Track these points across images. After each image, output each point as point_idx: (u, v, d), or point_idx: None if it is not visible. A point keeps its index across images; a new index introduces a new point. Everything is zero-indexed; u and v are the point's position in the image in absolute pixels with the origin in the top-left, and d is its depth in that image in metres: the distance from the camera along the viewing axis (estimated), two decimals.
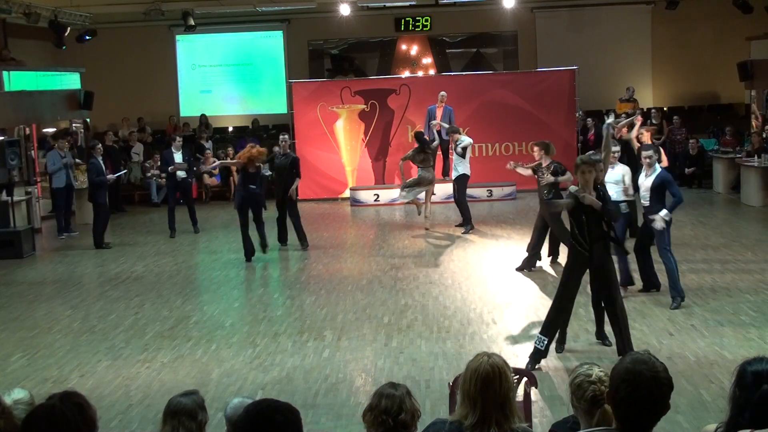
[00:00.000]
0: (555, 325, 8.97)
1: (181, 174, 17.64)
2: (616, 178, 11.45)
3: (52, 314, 11.97)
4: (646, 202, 10.98)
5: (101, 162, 16.66)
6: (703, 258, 13.33)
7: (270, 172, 16.04)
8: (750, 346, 9.05)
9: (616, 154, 11.66)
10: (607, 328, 9.19)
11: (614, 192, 10.99)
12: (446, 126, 17.97)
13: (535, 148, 12.93)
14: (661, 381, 3.38)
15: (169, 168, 17.52)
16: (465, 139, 16.45)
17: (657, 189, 10.73)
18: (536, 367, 8.70)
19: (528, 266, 13.18)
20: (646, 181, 10.90)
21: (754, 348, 8.88)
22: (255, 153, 14.70)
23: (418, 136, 16.84)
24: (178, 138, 18.34)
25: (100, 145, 17.33)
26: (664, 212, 10.59)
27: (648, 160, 10.90)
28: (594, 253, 8.74)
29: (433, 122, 18.84)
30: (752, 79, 21.44)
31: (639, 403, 3.37)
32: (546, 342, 8.82)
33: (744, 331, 9.75)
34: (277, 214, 15.61)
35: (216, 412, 7.42)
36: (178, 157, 17.65)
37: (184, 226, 17.83)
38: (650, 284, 11.44)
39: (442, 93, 19.73)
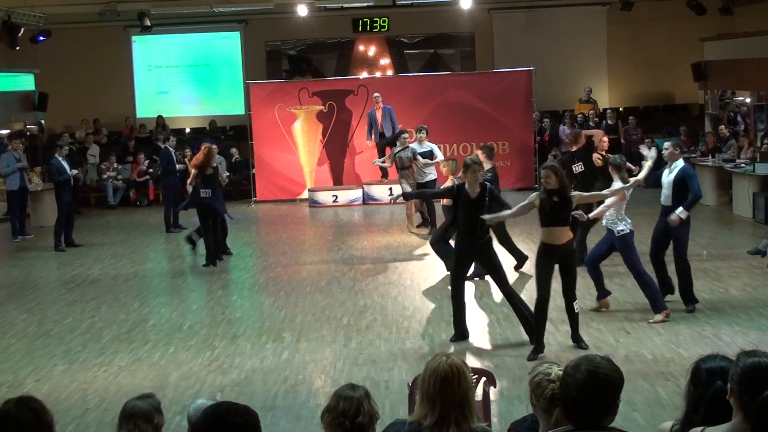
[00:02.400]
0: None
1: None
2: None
3: (6, 318, 11.80)
4: (667, 201, 10.37)
5: (61, 161, 16.48)
6: None
7: (227, 173, 16.02)
8: (705, 344, 9.16)
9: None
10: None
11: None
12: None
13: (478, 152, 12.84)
14: (606, 378, 3.47)
15: (166, 166, 18.07)
16: (439, 154, 16.22)
17: (678, 183, 10.15)
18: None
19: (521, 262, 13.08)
20: (669, 177, 10.30)
21: (709, 345, 8.98)
22: (201, 158, 14.22)
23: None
24: (172, 137, 19.08)
25: (67, 148, 17.41)
26: (680, 210, 10.09)
27: (666, 152, 10.27)
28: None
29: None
30: (706, 80, 21.73)
31: (587, 400, 3.46)
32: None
33: (699, 328, 9.86)
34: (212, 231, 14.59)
35: (174, 416, 7.41)
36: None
37: (143, 226, 17.78)
38: (667, 289, 10.73)
39: (376, 94, 19.89)
